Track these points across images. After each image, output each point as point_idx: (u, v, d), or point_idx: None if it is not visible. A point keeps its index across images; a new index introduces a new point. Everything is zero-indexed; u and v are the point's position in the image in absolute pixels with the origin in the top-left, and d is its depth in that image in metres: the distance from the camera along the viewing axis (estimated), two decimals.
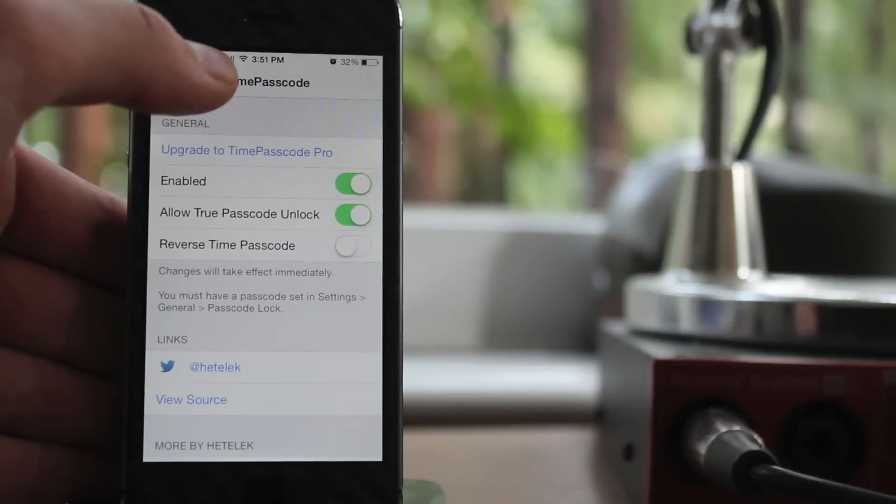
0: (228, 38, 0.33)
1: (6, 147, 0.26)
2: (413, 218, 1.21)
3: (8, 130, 0.25)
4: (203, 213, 0.33)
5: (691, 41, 0.57)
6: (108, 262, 0.33)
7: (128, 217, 0.32)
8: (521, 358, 1.34)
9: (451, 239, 1.43)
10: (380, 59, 0.34)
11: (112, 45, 0.27)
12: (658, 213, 1.20)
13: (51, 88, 0.25)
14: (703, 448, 0.38)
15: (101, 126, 3.35)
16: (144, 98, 0.28)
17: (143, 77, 0.27)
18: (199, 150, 0.33)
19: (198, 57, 0.29)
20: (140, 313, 0.32)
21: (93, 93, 0.27)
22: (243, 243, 0.33)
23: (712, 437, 0.37)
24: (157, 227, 0.32)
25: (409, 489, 0.33)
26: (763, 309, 0.46)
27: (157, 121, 0.33)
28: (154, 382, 0.32)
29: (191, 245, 0.33)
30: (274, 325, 0.32)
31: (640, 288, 0.54)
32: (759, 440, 0.37)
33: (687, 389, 0.40)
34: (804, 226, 1.16)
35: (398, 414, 0.32)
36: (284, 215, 0.33)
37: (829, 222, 1.18)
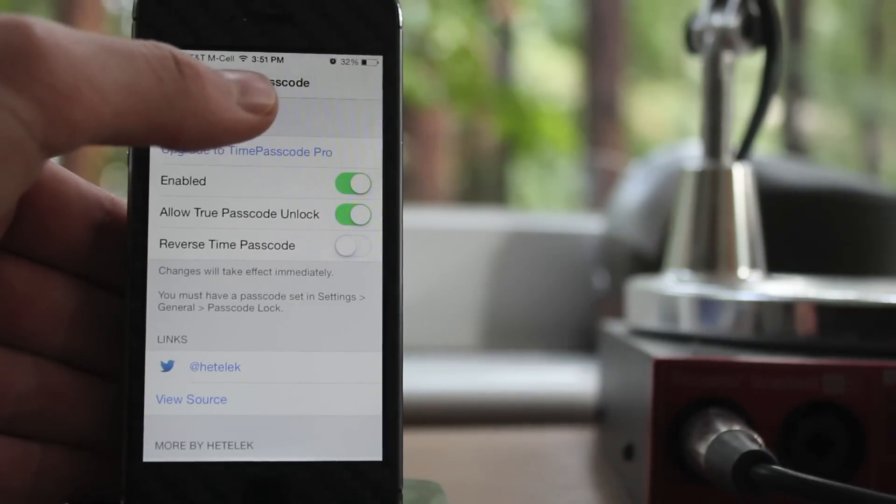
0: (228, 38, 0.33)
1: (25, 180, 0.26)
2: (413, 218, 1.21)
3: (28, 166, 0.26)
4: (203, 213, 0.33)
5: (691, 41, 0.57)
6: (109, 263, 0.33)
7: (128, 217, 0.32)
8: (521, 358, 1.34)
9: (451, 239, 1.43)
10: (380, 58, 0.34)
11: (142, 98, 0.27)
12: (658, 213, 1.20)
13: (75, 134, 0.26)
14: (703, 448, 0.38)
15: None
16: (175, 143, 0.29)
17: (172, 126, 0.28)
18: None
19: (233, 92, 0.29)
20: (140, 313, 0.32)
21: (121, 138, 0.28)
22: (243, 243, 0.33)
23: (712, 437, 0.37)
24: (157, 227, 0.32)
25: (409, 489, 0.33)
26: (763, 309, 0.46)
27: None
28: (154, 382, 0.32)
29: (191, 245, 0.33)
30: (274, 325, 0.32)
31: (640, 288, 0.54)
32: (759, 440, 0.37)
33: (687, 389, 0.40)
34: (804, 226, 1.16)
35: (398, 414, 0.32)
36: (284, 215, 0.33)
37: (829, 222, 1.17)
